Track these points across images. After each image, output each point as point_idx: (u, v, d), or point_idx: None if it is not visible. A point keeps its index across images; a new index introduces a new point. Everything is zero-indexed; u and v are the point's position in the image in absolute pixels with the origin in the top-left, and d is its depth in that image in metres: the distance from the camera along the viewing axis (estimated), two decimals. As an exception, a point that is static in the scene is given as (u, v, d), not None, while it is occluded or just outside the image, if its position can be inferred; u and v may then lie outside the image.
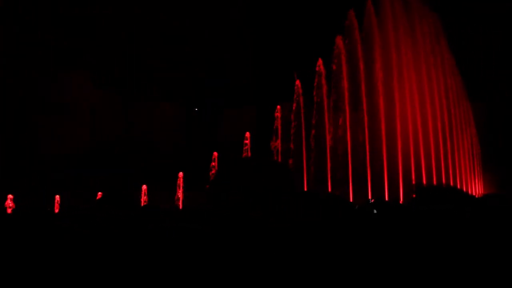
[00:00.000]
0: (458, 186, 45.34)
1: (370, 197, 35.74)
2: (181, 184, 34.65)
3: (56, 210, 33.00)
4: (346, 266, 9.35)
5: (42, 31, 51.94)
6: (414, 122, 40.91)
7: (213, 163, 34.66)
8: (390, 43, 40.67)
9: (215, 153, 35.38)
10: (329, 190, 34.70)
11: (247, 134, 36.45)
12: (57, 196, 34.47)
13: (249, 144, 35.95)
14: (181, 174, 34.92)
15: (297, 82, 37.83)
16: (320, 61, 38.36)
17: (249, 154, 35.56)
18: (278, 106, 37.35)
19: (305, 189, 34.78)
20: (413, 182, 37.24)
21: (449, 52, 46.97)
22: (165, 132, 54.35)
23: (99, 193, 33.39)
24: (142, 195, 34.14)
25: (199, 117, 56.10)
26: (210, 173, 33.78)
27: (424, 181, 38.92)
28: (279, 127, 36.56)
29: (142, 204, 32.00)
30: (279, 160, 35.71)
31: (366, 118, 37.91)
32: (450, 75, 46.88)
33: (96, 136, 50.76)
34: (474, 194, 46.73)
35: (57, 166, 43.58)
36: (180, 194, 34.14)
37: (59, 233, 12.54)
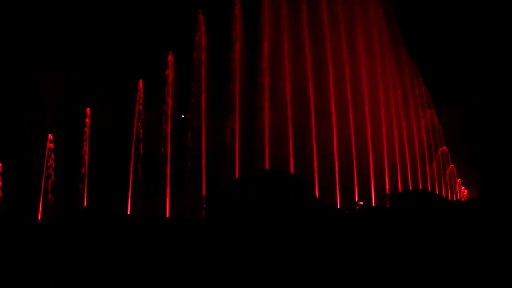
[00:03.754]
0: (443, 191, 46.30)
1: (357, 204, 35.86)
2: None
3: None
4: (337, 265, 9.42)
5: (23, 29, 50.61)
6: (399, 130, 41.59)
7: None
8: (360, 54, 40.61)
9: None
10: (317, 197, 34.51)
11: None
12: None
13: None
14: None
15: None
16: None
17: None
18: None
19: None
20: (399, 189, 37.71)
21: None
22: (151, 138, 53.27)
23: (84, 205, 32.61)
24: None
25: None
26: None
27: (410, 188, 39.52)
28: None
29: None
30: None
31: (352, 125, 38.13)
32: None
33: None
34: (460, 198, 47.79)
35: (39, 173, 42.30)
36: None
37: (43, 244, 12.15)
